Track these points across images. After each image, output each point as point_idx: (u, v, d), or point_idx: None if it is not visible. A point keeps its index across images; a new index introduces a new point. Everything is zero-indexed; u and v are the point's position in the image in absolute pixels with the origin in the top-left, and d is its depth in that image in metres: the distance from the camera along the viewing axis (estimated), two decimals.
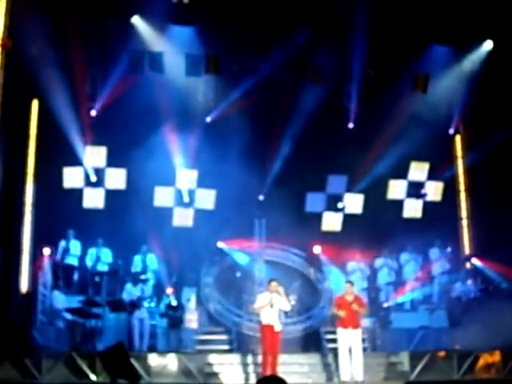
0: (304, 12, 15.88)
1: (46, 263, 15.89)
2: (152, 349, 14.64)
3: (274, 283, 13.03)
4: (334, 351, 13.74)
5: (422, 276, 17.58)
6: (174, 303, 15.13)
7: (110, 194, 17.34)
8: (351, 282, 13.77)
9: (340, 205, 18.48)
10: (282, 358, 13.60)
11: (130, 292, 15.13)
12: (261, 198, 18.01)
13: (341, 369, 12.93)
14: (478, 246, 18.57)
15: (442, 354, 14.01)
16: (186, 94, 17.16)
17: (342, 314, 12.97)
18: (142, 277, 15.82)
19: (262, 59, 17.18)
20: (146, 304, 14.99)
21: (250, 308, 13.82)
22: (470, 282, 16.86)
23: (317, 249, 17.53)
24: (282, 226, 16.50)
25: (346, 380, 12.79)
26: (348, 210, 18.56)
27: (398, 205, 18.78)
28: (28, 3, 14.73)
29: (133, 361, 12.18)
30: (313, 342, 15.50)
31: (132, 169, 16.94)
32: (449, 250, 18.11)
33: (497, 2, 15.73)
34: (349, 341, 12.93)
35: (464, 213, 19.25)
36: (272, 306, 12.76)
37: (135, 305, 14.88)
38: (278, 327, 12.83)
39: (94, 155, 17.23)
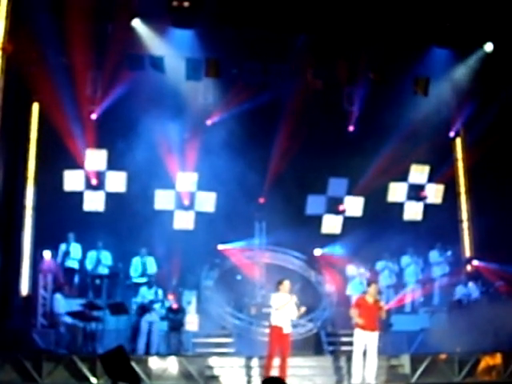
0: (304, 15, 15.88)
1: (47, 266, 15.88)
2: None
3: (287, 282, 12.61)
4: (335, 354, 13.74)
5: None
6: (175, 306, 15.12)
7: (111, 197, 17.34)
8: (376, 284, 13.48)
9: (341, 208, 18.48)
10: None
11: (143, 295, 15.14)
12: (261, 200, 17.99)
13: (353, 371, 12.69)
14: (478, 248, 18.56)
15: (442, 356, 13.97)
16: (187, 97, 17.19)
17: (360, 322, 12.63)
18: (142, 280, 15.86)
19: (262, 62, 17.19)
20: (157, 307, 14.97)
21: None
22: (470, 284, 16.84)
23: (317, 251, 17.56)
24: (282, 229, 16.53)
25: (357, 383, 12.65)
26: (348, 213, 18.56)
27: (399, 207, 18.78)
28: (28, 7, 14.76)
29: (133, 364, 12.22)
30: (314, 344, 15.49)
31: (132, 172, 16.94)
32: (449, 252, 18.09)
33: (497, 4, 15.74)
34: (365, 343, 12.67)
35: (464, 215, 19.24)
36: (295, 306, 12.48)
37: (146, 308, 14.88)
38: (287, 329, 12.52)
39: (95, 158, 17.23)
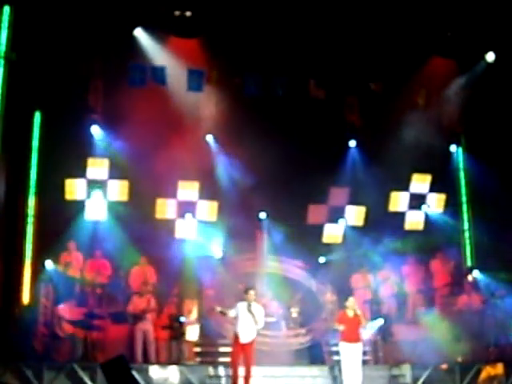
0: (305, 25, 15.94)
1: (48, 275, 15.87)
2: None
3: (251, 292, 12.88)
4: (337, 364, 13.73)
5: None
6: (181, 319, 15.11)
7: (113, 206, 17.34)
8: (353, 297, 13.89)
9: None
10: (284, 370, 13.66)
11: (135, 304, 15.12)
12: (262, 209, 17.99)
13: (344, 382, 12.90)
14: (479, 258, 18.54)
15: (444, 366, 13.97)
16: (188, 107, 17.21)
17: (341, 327, 13.11)
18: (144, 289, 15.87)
19: (264, 72, 17.23)
20: (150, 316, 14.96)
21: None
22: (471, 294, 16.80)
23: (321, 259, 17.60)
24: (283, 238, 16.52)
25: None
26: (350, 222, 18.57)
27: (400, 217, 18.78)
28: (31, 16, 14.83)
29: (134, 373, 12.24)
30: (315, 354, 15.47)
31: (134, 181, 16.95)
32: (451, 262, 18.07)
33: (498, 14, 15.79)
34: (350, 354, 12.96)
35: (466, 225, 19.24)
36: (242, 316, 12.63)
37: (139, 317, 14.87)
38: (244, 339, 12.57)
39: (97, 167, 17.25)
